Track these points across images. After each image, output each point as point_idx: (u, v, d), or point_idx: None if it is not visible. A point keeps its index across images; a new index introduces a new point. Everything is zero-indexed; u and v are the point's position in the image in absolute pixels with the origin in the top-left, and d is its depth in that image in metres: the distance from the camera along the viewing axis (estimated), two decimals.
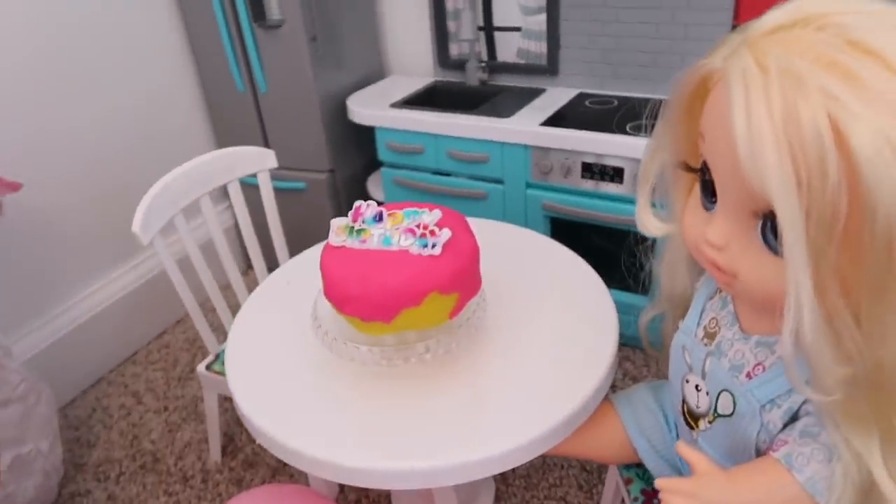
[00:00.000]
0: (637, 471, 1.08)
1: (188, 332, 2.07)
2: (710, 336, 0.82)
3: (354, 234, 0.96)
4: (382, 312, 0.91)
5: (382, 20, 2.19)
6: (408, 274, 0.90)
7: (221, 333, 1.62)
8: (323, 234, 2.10)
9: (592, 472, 1.48)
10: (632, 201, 1.59)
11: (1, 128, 1.62)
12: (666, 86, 1.74)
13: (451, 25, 2.03)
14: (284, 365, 1.04)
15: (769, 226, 0.60)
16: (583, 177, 1.61)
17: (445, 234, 0.93)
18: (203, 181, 1.41)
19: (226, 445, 1.61)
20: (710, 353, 0.80)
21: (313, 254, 1.35)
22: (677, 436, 0.98)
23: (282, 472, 1.54)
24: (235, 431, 1.66)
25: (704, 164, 0.68)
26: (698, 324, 0.85)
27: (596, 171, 1.58)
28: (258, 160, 1.52)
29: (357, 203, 0.99)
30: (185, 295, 1.36)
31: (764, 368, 0.74)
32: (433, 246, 0.92)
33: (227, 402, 1.71)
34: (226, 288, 1.71)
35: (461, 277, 0.93)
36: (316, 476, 1.39)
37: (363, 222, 0.97)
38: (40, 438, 1.42)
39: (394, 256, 0.93)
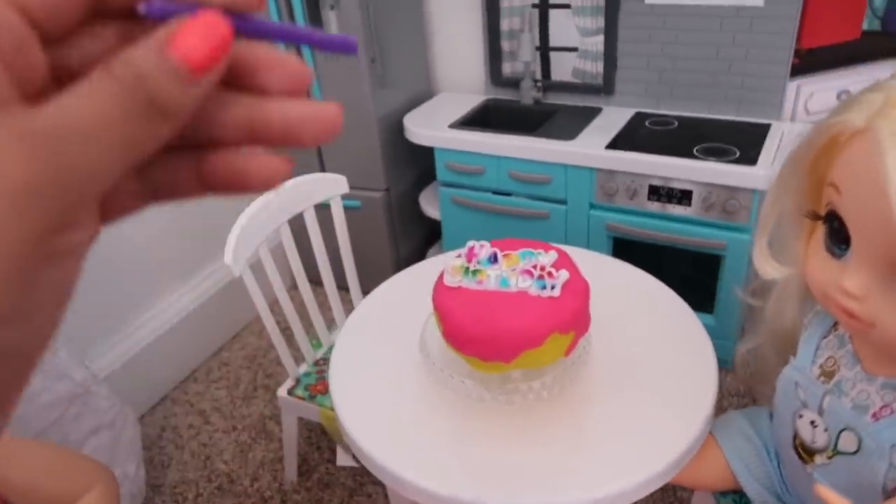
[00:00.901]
0: (734, 496, 1.10)
1: (246, 349, 2.09)
2: (827, 374, 0.84)
3: (470, 274, 0.99)
4: (504, 354, 0.93)
5: (433, 38, 2.21)
6: (530, 316, 0.92)
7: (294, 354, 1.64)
8: (378, 251, 2.14)
9: (667, 490, 1.51)
10: (699, 223, 1.61)
11: None
12: (725, 105, 1.77)
13: (504, 44, 2.05)
14: (390, 396, 1.07)
15: None
16: (649, 199, 1.63)
17: (563, 275, 0.95)
18: (284, 209, 1.43)
19: (299, 465, 1.64)
20: (828, 392, 0.82)
21: (397, 282, 1.36)
22: (778, 465, 1.00)
23: (359, 492, 1.57)
24: (307, 451, 1.69)
25: (833, 213, 0.70)
26: (813, 361, 0.87)
27: (663, 193, 1.61)
28: (332, 186, 1.55)
29: (470, 243, 1.02)
30: (269, 323, 1.39)
31: (893, 411, 0.75)
32: (552, 287, 0.94)
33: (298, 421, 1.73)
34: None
35: (577, 317, 0.96)
36: (398, 497, 1.42)
37: (478, 263, 1.00)
38: (127, 462, 1.45)
39: (513, 298, 0.95)
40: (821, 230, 0.74)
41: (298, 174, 1.49)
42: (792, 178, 0.79)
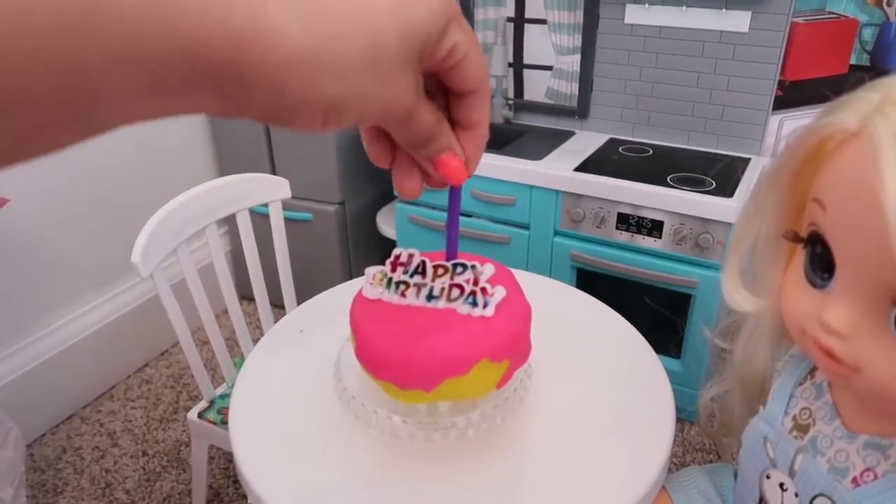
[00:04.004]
0: None
1: (173, 367, 1.91)
2: (801, 429, 0.71)
3: (393, 286, 0.84)
4: (423, 381, 0.78)
5: None
6: (456, 338, 0.78)
7: (211, 371, 1.48)
8: (328, 268, 1.99)
9: None
10: (669, 257, 1.49)
11: None
12: (703, 136, 1.68)
13: None
14: (299, 430, 0.91)
15: None
16: (617, 228, 1.51)
17: (500, 292, 0.81)
18: (211, 209, 1.28)
19: (210, 500, 1.45)
20: (801, 450, 0.69)
21: (328, 297, 1.22)
22: None
23: None
24: (222, 484, 1.51)
25: (816, 234, 0.58)
26: (785, 412, 0.74)
27: (632, 223, 1.48)
28: (271, 190, 1.40)
29: (396, 251, 0.87)
30: (182, 333, 1.22)
31: (876, 476, 0.63)
32: (485, 306, 0.80)
33: (212, 449, 1.55)
34: (217, 317, 1.56)
35: (514, 343, 0.81)
36: None
37: (403, 273, 0.85)
38: (3, 486, 1.26)
39: (439, 316, 0.80)
40: (801, 255, 0.61)
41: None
42: (771, 194, 0.67)
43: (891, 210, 0.45)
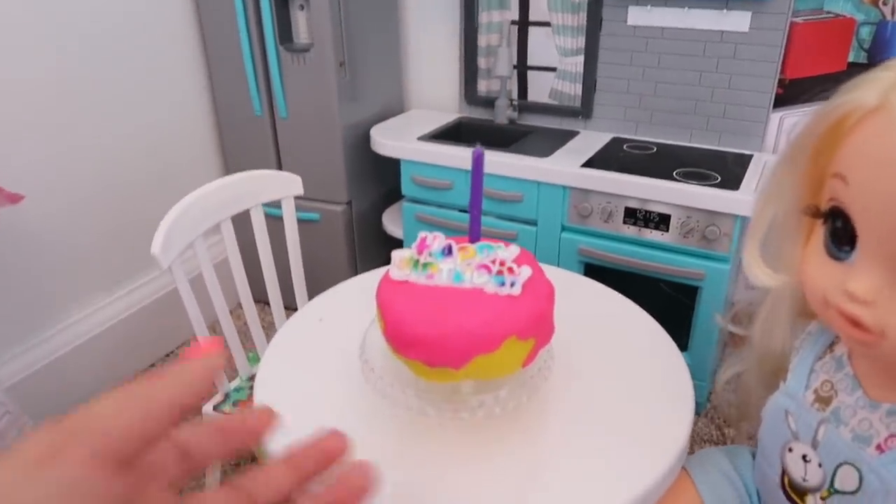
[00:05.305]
0: None
1: None
2: (823, 401, 0.73)
3: (420, 268, 0.86)
4: (453, 358, 0.79)
5: (408, 52, 2.13)
6: (485, 315, 0.79)
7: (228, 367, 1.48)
8: (334, 268, 2.00)
9: None
10: (676, 250, 1.51)
11: (6, 139, 1.51)
12: (706, 133, 1.71)
13: (481, 61, 1.98)
14: (322, 411, 0.92)
15: None
16: (625, 222, 1.53)
17: (526, 271, 0.83)
18: (226, 205, 1.30)
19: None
20: (824, 421, 0.71)
21: (342, 289, 1.24)
22: None
23: None
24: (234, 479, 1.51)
25: (837, 209, 0.60)
26: (806, 387, 0.76)
27: (640, 217, 1.51)
28: (283, 186, 1.42)
29: (422, 234, 0.89)
30: (197, 324, 1.24)
31: None
32: (512, 285, 0.82)
33: None
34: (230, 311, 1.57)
35: (540, 321, 0.83)
36: None
37: (430, 255, 0.87)
38: None
39: (467, 295, 0.82)
40: (820, 231, 0.64)
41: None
42: (789, 173, 0.69)
43: None
